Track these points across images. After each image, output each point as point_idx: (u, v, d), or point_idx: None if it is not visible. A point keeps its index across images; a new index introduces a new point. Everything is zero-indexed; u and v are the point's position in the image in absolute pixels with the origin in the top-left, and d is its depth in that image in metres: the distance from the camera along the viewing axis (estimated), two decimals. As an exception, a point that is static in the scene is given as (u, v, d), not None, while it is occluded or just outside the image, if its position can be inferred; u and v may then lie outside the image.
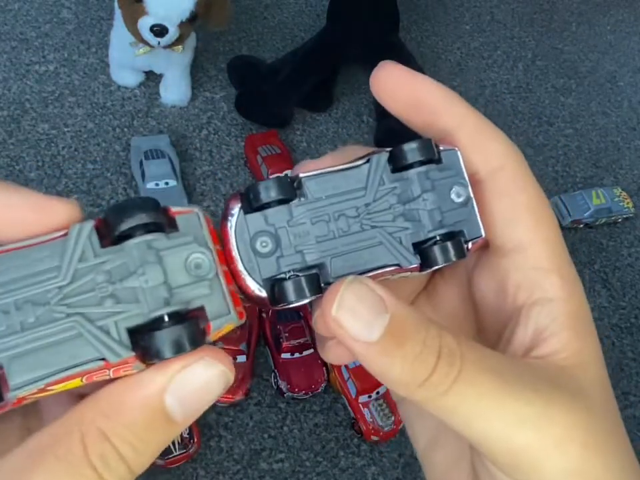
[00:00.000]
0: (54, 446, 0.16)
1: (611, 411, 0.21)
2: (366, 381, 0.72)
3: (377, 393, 0.72)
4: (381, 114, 1.03)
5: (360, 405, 0.71)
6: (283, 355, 0.74)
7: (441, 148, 0.21)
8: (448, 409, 0.19)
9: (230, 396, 0.71)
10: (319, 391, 0.74)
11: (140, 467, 0.17)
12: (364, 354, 0.18)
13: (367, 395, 0.71)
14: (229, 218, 0.20)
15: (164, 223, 0.18)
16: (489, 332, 0.22)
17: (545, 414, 0.19)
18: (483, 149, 0.21)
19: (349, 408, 0.73)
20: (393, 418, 0.71)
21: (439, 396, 0.18)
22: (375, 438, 0.70)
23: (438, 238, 0.20)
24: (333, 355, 0.21)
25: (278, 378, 0.73)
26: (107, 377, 0.17)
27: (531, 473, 0.19)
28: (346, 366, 0.72)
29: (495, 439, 0.19)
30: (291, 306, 0.19)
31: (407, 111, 0.23)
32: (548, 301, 0.21)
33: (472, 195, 0.21)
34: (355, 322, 0.18)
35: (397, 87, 0.22)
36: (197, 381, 0.17)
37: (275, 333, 0.76)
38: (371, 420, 0.70)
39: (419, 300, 0.25)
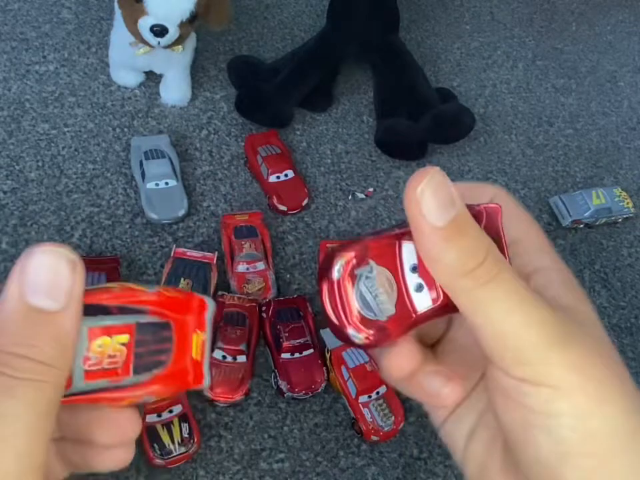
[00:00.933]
0: None
1: (612, 350, 0.24)
2: (366, 381, 0.72)
3: (377, 393, 0.72)
4: (382, 114, 1.03)
5: (360, 405, 0.71)
6: (283, 355, 0.74)
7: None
8: (480, 300, 0.22)
9: (230, 396, 0.71)
10: (319, 390, 0.74)
11: (62, 367, 0.19)
12: (429, 236, 0.22)
13: (367, 395, 0.71)
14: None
15: None
16: None
17: (563, 329, 0.22)
18: (481, 194, 0.28)
19: (349, 408, 0.73)
20: (392, 418, 0.71)
21: (476, 287, 0.22)
22: (375, 438, 0.70)
23: None
24: (395, 364, 0.25)
25: (278, 378, 0.73)
26: None
27: (537, 367, 0.22)
28: (346, 366, 0.72)
29: (508, 335, 0.22)
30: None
31: None
32: (543, 270, 0.26)
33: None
34: (430, 205, 0.22)
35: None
36: (45, 270, 0.19)
37: (275, 333, 0.76)
38: (371, 420, 0.70)
39: None
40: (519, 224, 0.28)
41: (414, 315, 0.24)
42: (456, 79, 1.17)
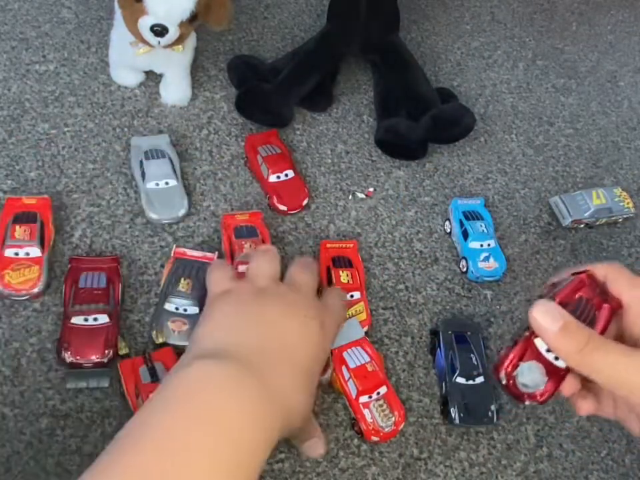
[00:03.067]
0: None
1: None
2: (367, 381, 0.72)
3: (378, 393, 0.72)
4: (382, 114, 1.03)
5: (360, 405, 0.71)
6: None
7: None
8: (591, 364, 0.40)
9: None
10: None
11: None
12: (549, 337, 0.42)
13: (367, 396, 0.71)
14: None
15: None
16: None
17: None
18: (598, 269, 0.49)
19: (350, 408, 0.73)
20: (393, 418, 0.71)
21: (588, 356, 0.40)
22: (375, 438, 0.70)
23: None
24: (582, 409, 0.49)
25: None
26: None
27: None
28: (347, 366, 0.72)
29: (621, 383, 0.40)
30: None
31: None
32: None
33: None
34: (544, 319, 0.42)
35: None
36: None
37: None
38: (372, 420, 0.70)
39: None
40: (631, 290, 0.44)
41: (562, 372, 0.45)
42: (456, 78, 1.17)
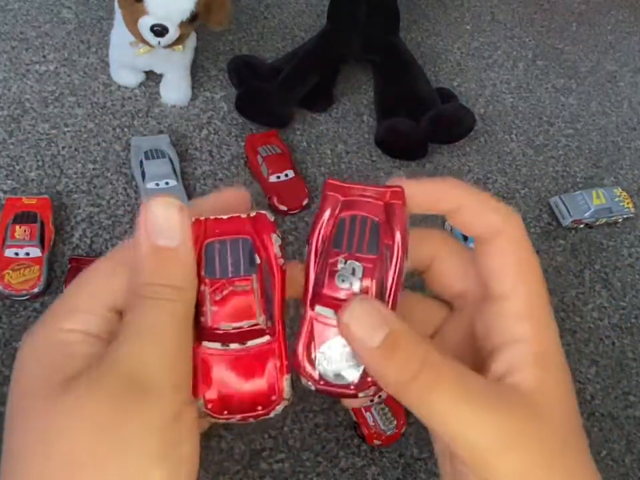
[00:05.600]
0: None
1: (570, 432, 0.25)
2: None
3: (379, 397, 0.72)
4: (382, 114, 1.03)
5: (362, 408, 0.71)
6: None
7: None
8: (426, 409, 0.24)
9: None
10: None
11: (189, 287, 0.25)
12: (367, 356, 0.24)
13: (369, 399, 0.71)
14: None
15: None
16: (481, 365, 0.27)
17: (500, 421, 0.24)
18: (484, 219, 0.28)
19: (351, 412, 0.73)
20: (395, 422, 0.71)
21: (420, 396, 0.24)
22: (377, 442, 0.70)
23: None
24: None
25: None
26: None
27: (484, 469, 0.24)
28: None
29: (456, 436, 0.24)
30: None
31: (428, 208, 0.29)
32: (517, 343, 0.26)
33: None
34: (359, 328, 0.24)
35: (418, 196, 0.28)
36: (161, 217, 0.25)
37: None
38: (373, 424, 0.70)
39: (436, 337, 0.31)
40: (516, 278, 0.27)
41: None
42: (456, 78, 1.17)
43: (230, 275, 0.26)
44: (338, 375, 0.26)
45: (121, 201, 0.86)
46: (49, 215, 0.79)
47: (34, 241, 0.75)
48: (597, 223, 0.99)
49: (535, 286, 0.27)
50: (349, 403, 0.29)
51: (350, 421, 0.73)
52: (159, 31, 0.82)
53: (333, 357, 0.26)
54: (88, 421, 0.22)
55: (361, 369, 0.26)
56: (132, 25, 0.84)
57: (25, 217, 0.77)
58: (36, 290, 0.73)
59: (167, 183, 0.86)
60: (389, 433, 0.70)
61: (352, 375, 0.26)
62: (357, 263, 0.26)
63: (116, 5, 0.86)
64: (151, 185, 0.85)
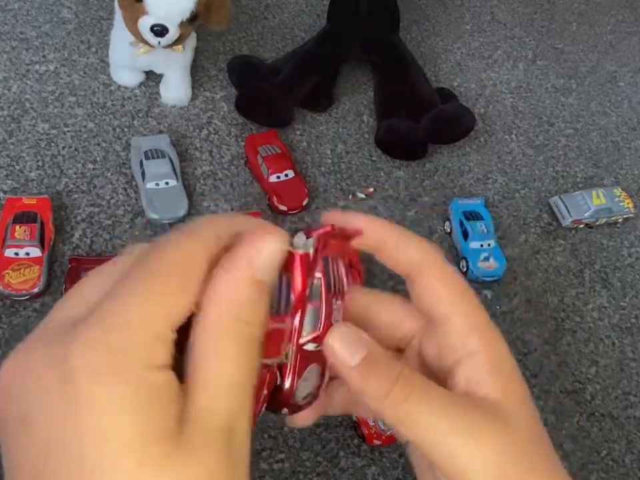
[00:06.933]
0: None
1: (538, 436, 0.27)
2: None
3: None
4: (382, 114, 1.03)
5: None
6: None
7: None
8: (402, 417, 0.26)
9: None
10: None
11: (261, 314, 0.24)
12: (348, 374, 0.27)
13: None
14: None
15: None
16: (442, 385, 0.29)
17: (472, 428, 0.26)
18: (406, 253, 0.30)
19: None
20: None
21: (396, 406, 0.26)
22: (377, 442, 0.70)
23: None
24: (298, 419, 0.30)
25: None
26: None
27: (460, 473, 0.25)
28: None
29: (434, 444, 0.26)
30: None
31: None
32: (471, 356, 0.28)
33: None
34: (342, 350, 0.27)
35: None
36: (269, 254, 0.24)
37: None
38: (373, 424, 0.70)
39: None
40: (452, 299, 0.29)
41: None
42: (456, 78, 1.17)
43: (280, 311, 0.27)
44: (306, 396, 0.29)
45: (121, 201, 0.86)
46: (49, 215, 0.79)
47: (34, 241, 0.75)
48: (597, 223, 0.99)
49: (471, 303, 0.29)
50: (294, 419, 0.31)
51: (350, 421, 0.73)
52: (159, 31, 0.82)
53: (308, 382, 0.29)
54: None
55: (315, 386, 0.29)
56: (132, 25, 0.84)
57: (25, 217, 0.77)
58: (36, 290, 0.73)
59: (167, 183, 0.86)
60: (388, 432, 0.70)
61: (311, 394, 0.29)
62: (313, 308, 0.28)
63: (116, 4, 0.86)
64: (150, 185, 0.85)
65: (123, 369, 0.20)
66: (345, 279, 0.30)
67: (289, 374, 0.27)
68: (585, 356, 0.86)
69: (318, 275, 0.28)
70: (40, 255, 0.75)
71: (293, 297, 0.27)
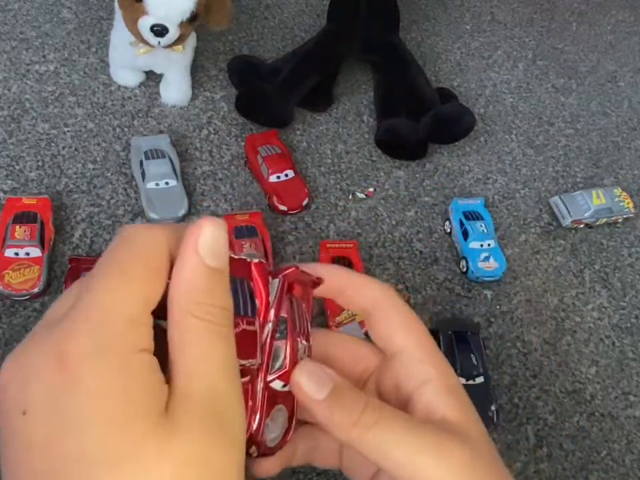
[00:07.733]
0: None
1: (492, 452, 0.29)
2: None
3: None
4: (382, 114, 1.03)
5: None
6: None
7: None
8: (371, 442, 0.28)
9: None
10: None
11: (225, 304, 0.26)
12: (316, 407, 0.28)
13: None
14: None
15: None
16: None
17: (439, 446, 0.27)
18: (364, 294, 0.33)
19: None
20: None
21: (365, 433, 0.28)
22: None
23: None
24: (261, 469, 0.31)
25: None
26: None
27: None
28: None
29: (403, 464, 0.27)
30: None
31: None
32: (427, 382, 0.30)
33: None
34: (309, 385, 0.28)
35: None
36: (210, 238, 0.25)
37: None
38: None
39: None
40: (405, 333, 0.32)
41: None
42: (456, 78, 1.17)
43: (242, 313, 0.27)
44: (274, 439, 0.30)
45: (121, 201, 0.86)
46: (49, 215, 0.79)
47: (34, 241, 0.75)
48: (597, 223, 0.99)
49: (424, 334, 0.32)
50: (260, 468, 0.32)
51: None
52: (159, 31, 0.82)
53: (277, 422, 0.30)
54: (190, 460, 0.22)
55: (283, 430, 0.30)
56: (132, 25, 0.84)
57: (25, 217, 0.77)
58: (36, 290, 0.73)
59: (166, 183, 0.86)
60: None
61: (279, 437, 0.30)
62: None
63: (116, 4, 0.86)
64: (150, 184, 0.85)
65: (105, 352, 0.22)
66: (308, 321, 0.31)
67: (257, 411, 0.28)
68: (585, 356, 0.86)
69: (284, 314, 0.29)
70: (40, 254, 0.75)
71: (257, 302, 0.28)
